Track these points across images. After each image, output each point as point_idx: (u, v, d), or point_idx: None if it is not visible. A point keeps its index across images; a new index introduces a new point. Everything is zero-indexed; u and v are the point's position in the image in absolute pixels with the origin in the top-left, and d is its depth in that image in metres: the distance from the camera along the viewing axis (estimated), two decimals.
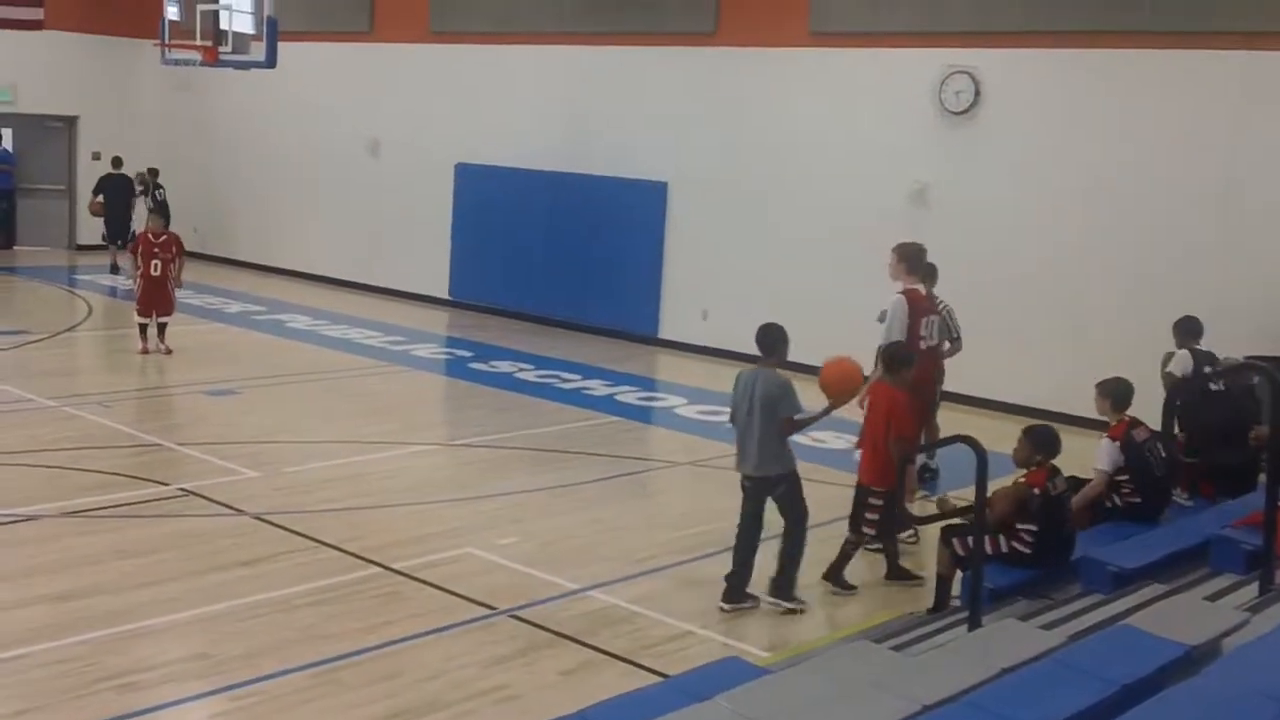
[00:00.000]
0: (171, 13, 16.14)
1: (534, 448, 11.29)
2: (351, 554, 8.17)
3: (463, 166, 18.43)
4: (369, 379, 14.10)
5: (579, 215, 17.05)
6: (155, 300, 14.18)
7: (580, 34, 17.03)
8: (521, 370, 14.65)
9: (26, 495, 9.02)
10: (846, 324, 14.17)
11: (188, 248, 15.25)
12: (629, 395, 13.72)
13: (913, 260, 9.22)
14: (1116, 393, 8.22)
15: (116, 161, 20.48)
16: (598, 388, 13.99)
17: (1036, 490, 7.12)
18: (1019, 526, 7.13)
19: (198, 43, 15.49)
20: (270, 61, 15.17)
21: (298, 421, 11.85)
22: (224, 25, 15.45)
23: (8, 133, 22.30)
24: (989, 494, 6.80)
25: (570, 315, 17.36)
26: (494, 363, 15.03)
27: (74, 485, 9.37)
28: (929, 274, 10.27)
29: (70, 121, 22.80)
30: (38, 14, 21.62)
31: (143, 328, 14.18)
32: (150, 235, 14.36)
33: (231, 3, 15.38)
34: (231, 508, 9.00)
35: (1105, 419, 8.28)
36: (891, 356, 8.20)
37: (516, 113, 17.82)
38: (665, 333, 16.38)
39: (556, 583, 7.87)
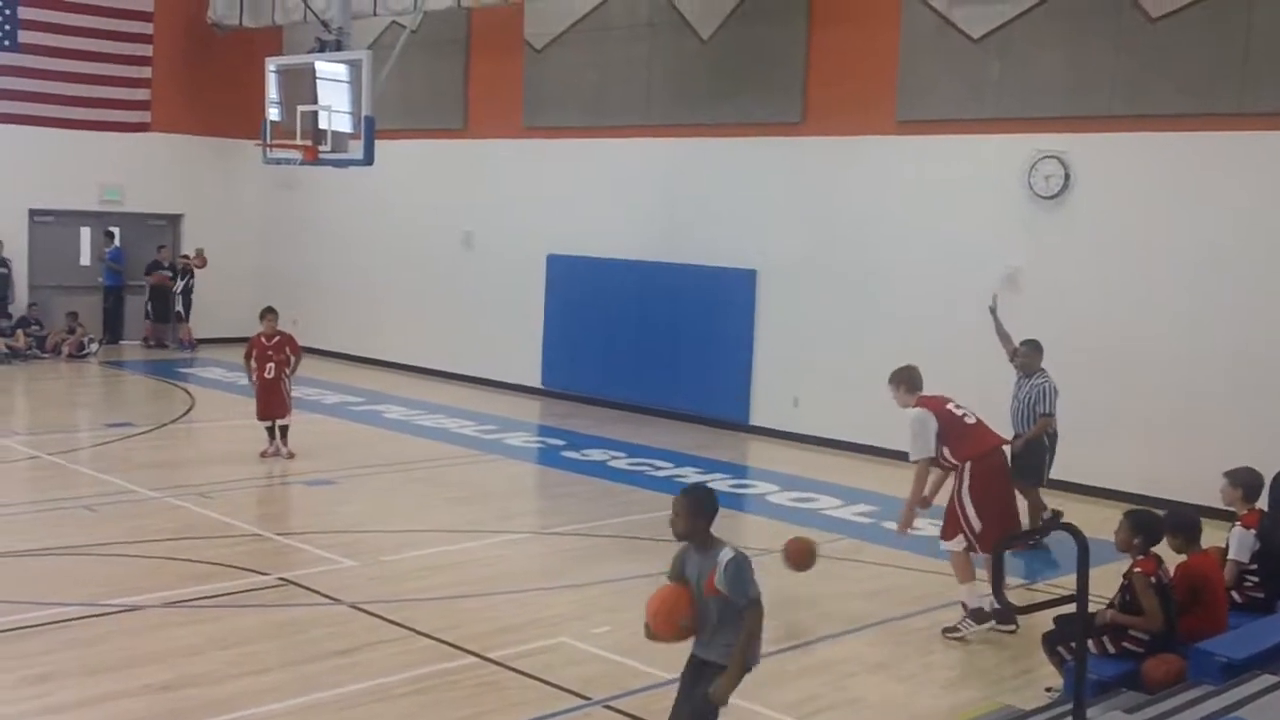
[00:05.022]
0: (273, 114, 16.63)
1: (627, 535, 11.28)
2: (447, 643, 8.21)
3: (554, 258, 18.70)
4: (463, 468, 14.22)
5: (669, 304, 17.19)
6: (270, 404, 13.97)
7: (668, 126, 17.30)
8: (613, 458, 14.70)
9: (129, 586, 9.20)
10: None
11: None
12: (720, 482, 13.67)
13: (911, 382, 9.14)
14: (1249, 483, 8.11)
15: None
16: (690, 475, 13.96)
17: (1153, 579, 6.96)
18: (1128, 622, 6.97)
19: (298, 142, 15.93)
20: (368, 159, 15.54)
21: (393, 511, 11.98)
22: (323, 125, 15.87)
23: (116, 231, 23.07)
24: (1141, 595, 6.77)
25: (661, 403, 17.43)
26: (586, 451, 15.10)
27: (175, 575, 9.54)
28: (1034, 350, 11.17)
29: (175, 220, 23.57)
30: (145, 117, 22.51)
31: (269, 430, 14.05)
32: (263, 338, 14.04)
33: (331, 103, 15.83)
34: (329, 597, 9.10)
35: (1232, 508, 8.11)
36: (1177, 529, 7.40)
37: (606, 204, 18.09)
38: (756, 420, 16.36)
39: (651, 672, 7.80)
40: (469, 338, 20.09)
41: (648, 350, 17.54)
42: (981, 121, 14.34)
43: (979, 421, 8.97)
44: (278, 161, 17.27)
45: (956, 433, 8.77)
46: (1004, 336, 11.79)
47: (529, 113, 19.17)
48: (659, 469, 14.21)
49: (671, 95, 17.32)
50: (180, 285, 22.82)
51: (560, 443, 15.71)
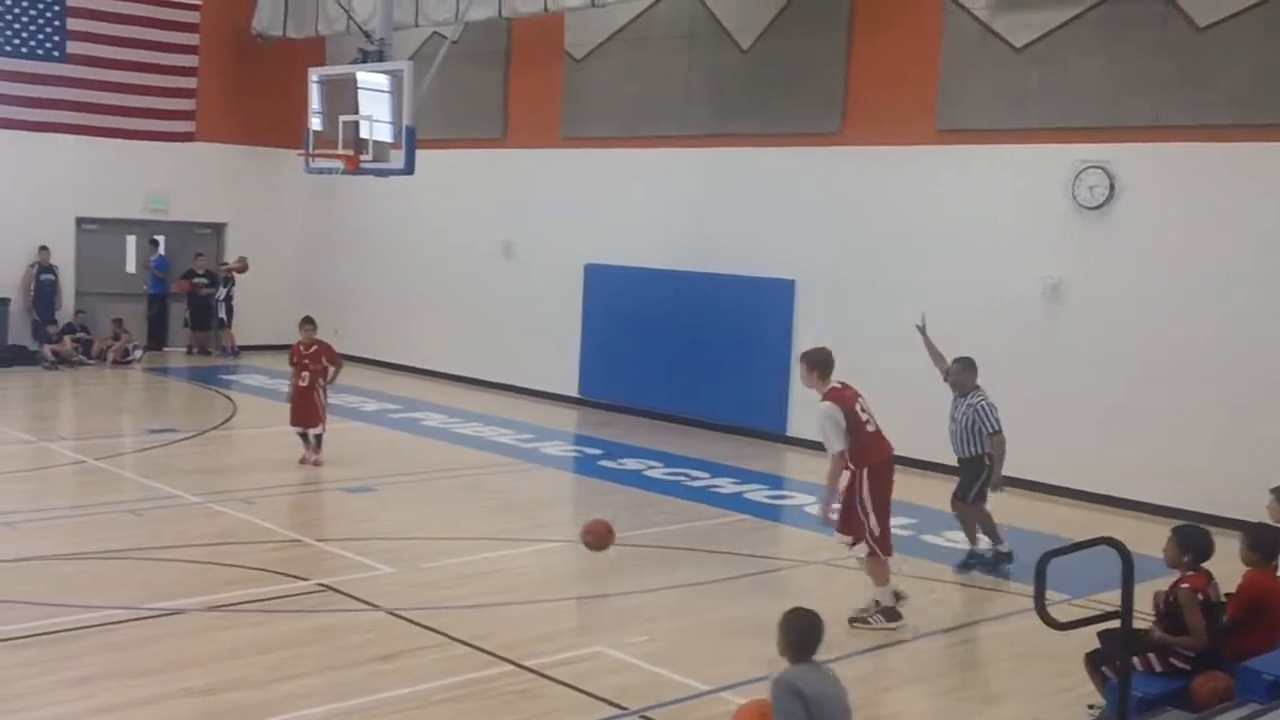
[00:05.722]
0: (315, 123, 16.77)
1: (663, 545, 11.27)
2: (485, 651, 8.22)
3: (592, 267, 18.74)
4: (501, 476, 14.26)
5: (707, 313, 17.18)
6: (302, 412, 14.01)
7: (706, 136, 17.31)
8: (650, 468, 14.70)
9: (172, 589, 9.28)
10: None
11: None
12: (758, 493, 13.66)
13: (824, 366, 9.22)
14: None
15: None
16: (726, 485, 13.95)
17: (1201, 596, 6.87)
18: (1173, 641, 6.88)
19: (340, 152, 16.06)
20: (409, 168, 15.64)
21: (432, 518, 12.03)
22: (365, 135, 15.98)
23: (161, 240, 23.33)
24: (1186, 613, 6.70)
25: (698, 413, 17.42)
26: (623, 460, 15.10)
27: (217, 580, 9.62)
28: (967, 368, 10.76)
29: (219, 228, 23.80)
30: (190, 127, 22.75)
31: (303, 436, 14.10)
32: (301, 347, 14.14)
33: (372, 113, 15.94)
34: (368, 603, 9.14)
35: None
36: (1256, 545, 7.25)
37: (644, 214, 18.11)
38: (794, 430, 16.29)
39: (687, 683, 7.80)
40: (506, 346, 20.16)
41: (685, 360, 17.54)
42: (1023, 131, 14.25)
43: (878, 430, 9.18)
44: (320, 171, 17.39)
45: (858, 437, 8.97)
46: (936, 356, 11.27)
47: (568, 123, 19.24)
48: (695, 479, 14.19)
49: (710, 105, 17.33)
50: (222, 293, 23.02)
51: (597, 452, 15.72)
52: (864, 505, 8.96)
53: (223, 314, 23.20)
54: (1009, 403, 10.78)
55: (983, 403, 10.70)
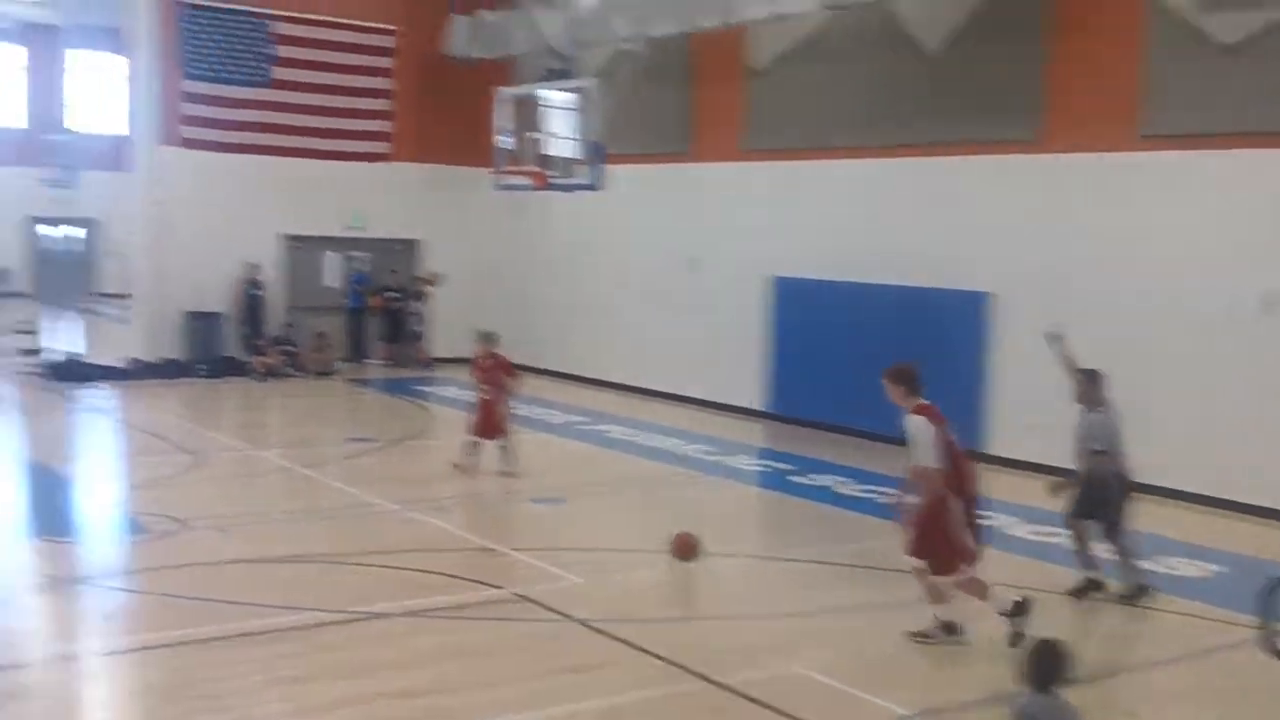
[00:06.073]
0: (504, 142, 17.14)
1: (856, 564, 11.09)
2: (676, 665, 8.21)
3: (779, 280, 18.64)
4: (688, 489, 14.27)
5: (895, 327, 16.86)
6: (483, 424, 14.17)
7: (893, 146, 17.03)
8: (841, 484, 14.49)
9: (370, 595, 9.54)
10: (1184, 434, 13.41)
11: (516, 361, 15.47)
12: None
13: (912, 383, 9.07)
14: None
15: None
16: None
17: None
18: None
19: (528, 169, 16.37)
20: (596, 184, 15.85)
21: (621, 530, 12.10)
22: (552, 152, 16.27)
23: (359, 256, 24.13)
24: None
25: (889, 429, 16.99)
26: (813, 476, 14.93)
27: (414, 586, 9.85)
28: (1089, 381, 10.21)
29: (412, 245, 24.51)
30: (385, 148, 23.48)
31: (473, 446, 14.23)
32: (479, 360, 14.39)
33: (559, 131, 16.22)
34: (560, 613, 9.23)
35: None
36: None
37: (830, 226, 17.92)
38: (992, 448, 15.79)
39: (879, 704, 7.64)
40: (692, 360, 20.19)
41: (874, 373, 17.09)
42: (1235, 135, 13.58)
43: (962, 451, 8.95)
44: (509, 188, 17.78)
45: (952, 461, 8.78)
46: (1070, 368, 10.67)
47: (751, 135, 19.19)
48: (888, 496, 13.86)
49: (897, 114, 17.04)
50: (415, 307, 23.66)
51: (786, 467, 15.59)
52: (948, 531, 8.70)
53: (416, 327, 23.86)
54: (1221, 417, 10.25)
55: (1103, 418, 10.19)
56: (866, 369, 17.28)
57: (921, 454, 8.79)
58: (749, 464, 15.93)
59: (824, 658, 8.45)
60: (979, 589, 8.90)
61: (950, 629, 8.88)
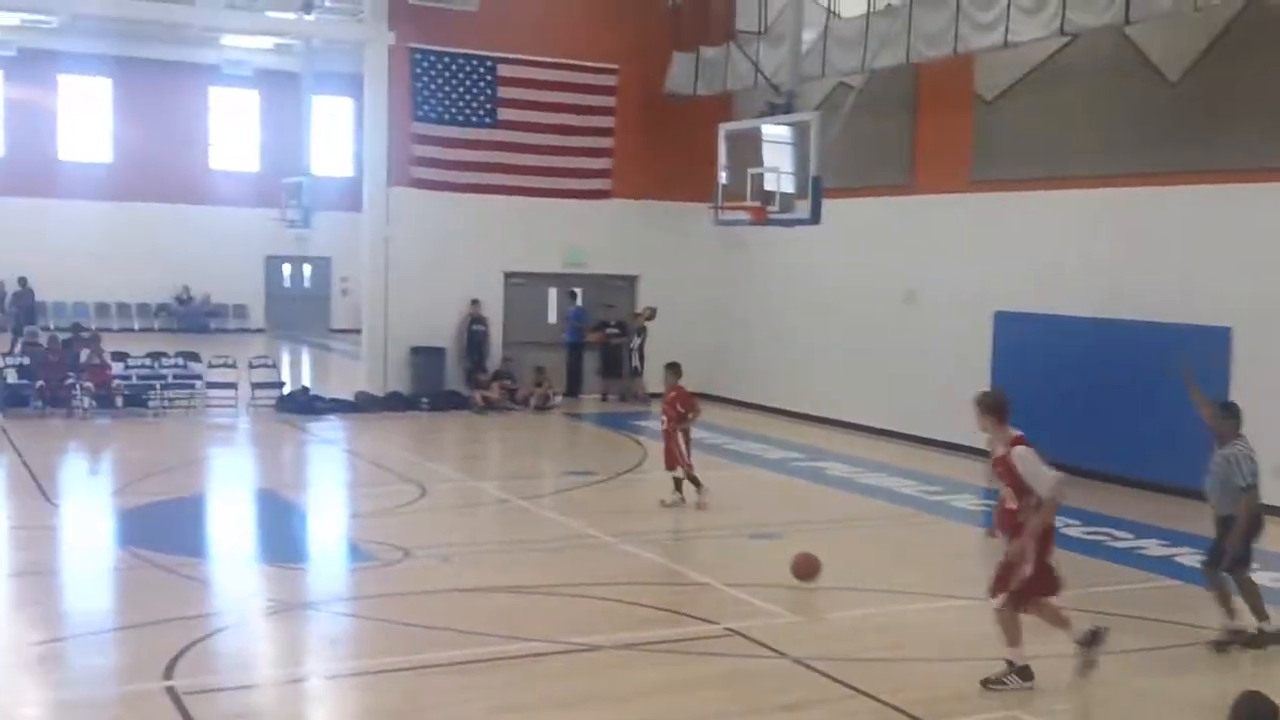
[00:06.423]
0: (723, 177, 17.19)
1: (1082, 609, 10.58)
2: (892, 706, 8.01)
3: (1002, 314, 18.11)
4: (905, 528, 13.96)
5: (1127, 363, 16.17)
6: (666, 456, 14.41)
7: (1129, 175, 16.38)
8: (1067, 525, 13.84)
9: (586, 626, 9.63)
10: None
11: (732, 396, 15.52)
12: (1191, 558, 12.61)
13: (1002, 412, 8.82)
14: None
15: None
16: (1152, 547, 13.03)
17: None
18: None
19: (747, 204, 16.36)
20: (815, 219, 15.71)
21: (836, 567, 11.85)
22: (771, 186, 16.22)
23: (579, 292, 24.62)
24: None
25: (1119, 468, 16.34)
26: None
27: (630, 618, 9.90)
28: (1225, 414, 9.70)
29: (631, 280, 24.83)
30: (606, 185, 23.92)
31: (676, 480, 14.35)
32: (665, 392, 14.72)
33: (778, 165, 16.17)
34: (774, 650, 9.12)
35: None
36: None
37: (1059, 258, 17.34)
38: None
39: None
40: (911, 395, 19.78)
41: (1103, 411, 16.53)
42: None
43: None
44: (727, 223, 17.81)
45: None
46: (1201, 403, 10.16)
47: (978, 166, 18.76)
48: (1118, 539, 13.34)
49: (1134, 142, 16.39)
50: (635, 342, 23.93)
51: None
52: (1044, 561, 8.45)
53: (635, 363, 24.10)
54: None
55: (1237, 453, 9.54)
56: (1094, 407, 16.78)
57: (1037, 484, 8.54)
58: (970, 503, 15.47)
59: (1047, 705, 8.12)
60: (1060, 620, 8.61)
61: (1025, 674, 8.46)
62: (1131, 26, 15.55)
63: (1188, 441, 15.31)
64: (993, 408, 8.93)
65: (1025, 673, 8.48)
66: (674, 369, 14.73)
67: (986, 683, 8.43)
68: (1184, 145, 15.73)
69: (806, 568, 10.85)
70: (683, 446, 14.32)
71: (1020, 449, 8.66)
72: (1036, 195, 17.73)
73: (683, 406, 14.42)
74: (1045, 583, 8.54)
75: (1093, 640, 8.46)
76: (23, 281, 34.52)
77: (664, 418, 14.50)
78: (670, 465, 14.38)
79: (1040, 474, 8.52)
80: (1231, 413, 9.98)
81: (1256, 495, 9.59)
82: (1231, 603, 9.66)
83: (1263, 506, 9.75)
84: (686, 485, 14.30)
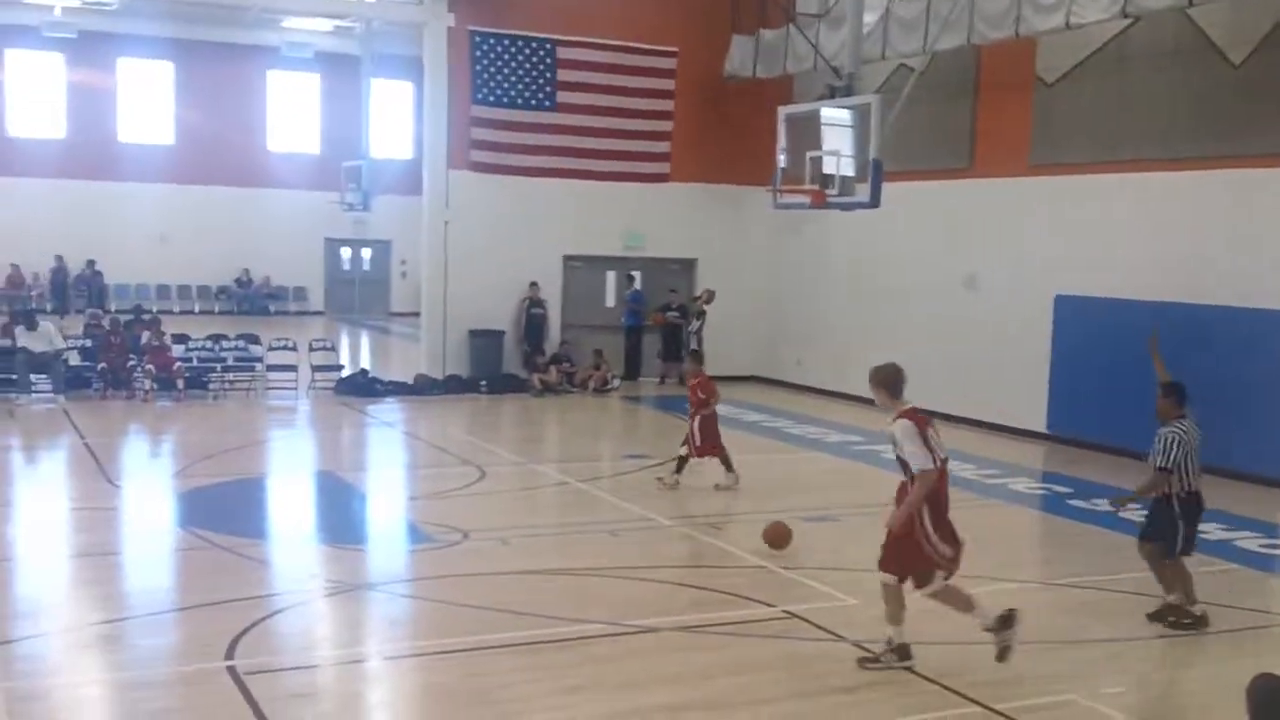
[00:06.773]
0: (782, 160, 17.17)
1: (1143, 593, 10.57)
2: (951, 690, 8.06)
3: (1063, 298, 17.99)
4: (965, 512, 13.76)
5: (1189, 347, 15.93)
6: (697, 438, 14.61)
7: (1192, 159, 16.20)
8: (1128, 510, 13.81)
9: (645, 608, 9.74)
10: None
11: (790, 380, 15.66)
12: (1249, 541, 12.56)
13: (894, 387, 8.88)
14: None
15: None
16: (1213, 531, 12.88)
17: None
18: None
19: (806, 187, 16.34)
20: (874, 202, 15.68)
21: None
22: (830, 170, 16.18)
23: (637, 275, 24.70)
24: None
25: None
26: (1095, 500, 14.29)
27: (687, 601, 10.01)
28: (1165, 394, 9.78)
29: (689, 264, 24.87)
30: (664, 168, 23.95)
31: (724, 464, 14.60)
32: (688, 379, 15.33)
33: (838, 148, 16.12)
34: (832, 633, 9.19)
35: None
36: None
37: (1120, 242, 17.20)
38: None
39: None
40: (969, 379, 19.69)
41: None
42: None
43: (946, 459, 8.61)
44: (786, 207, 17.79)
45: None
46: (1158, 371, 10.34)
47: (1037, 150, 18.61)
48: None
49: (1197, 125, 16.21)
50: (694, 325, 23.96)
51: (1067, 490, 15.02)
52: (927, 534, 8.35)
53: (695, 345, 24.13)
54: None
55: (1167, 432, 9.65)
56: (1153, 390, 16.54)
57: (911, 459, 8.49)
58: (1029, 487, 15.42)
59: (1106, 688, 8.12)
60: (961, 601, 8.47)
61: (904, 653, 8.44)
62: (1194, 8, 15.36)
63: (1248, 425, 15.25)
64: (883, 381, 9.01)
65: (903, 651, 8.48)
66: (696, 356, 15.52)
67: (863, 661, 8.50)
68: (1246, 128, 15.52)
69: (776, 536, 11.44)
70: (697, 432, 14.54)
71: (901, 421, 8.67)
72: (1097, 179, 17.58)
73: (704, 393, 14.67)
74: (917, 559, 8.40)
75: (1004, 625, 8.29)
76: (90, 264, 35.16)
77: (690, 405, 14.82)
78: (702, 454, 14.56)
79: (913, 450, 8.50)
80: (1170, 392, 10.05)
81: (1180, 479, 9.63)
82: (1169, 579, 9.72)
83: (1196, 495, 9.72)
84: (709, 468, 14.56)
